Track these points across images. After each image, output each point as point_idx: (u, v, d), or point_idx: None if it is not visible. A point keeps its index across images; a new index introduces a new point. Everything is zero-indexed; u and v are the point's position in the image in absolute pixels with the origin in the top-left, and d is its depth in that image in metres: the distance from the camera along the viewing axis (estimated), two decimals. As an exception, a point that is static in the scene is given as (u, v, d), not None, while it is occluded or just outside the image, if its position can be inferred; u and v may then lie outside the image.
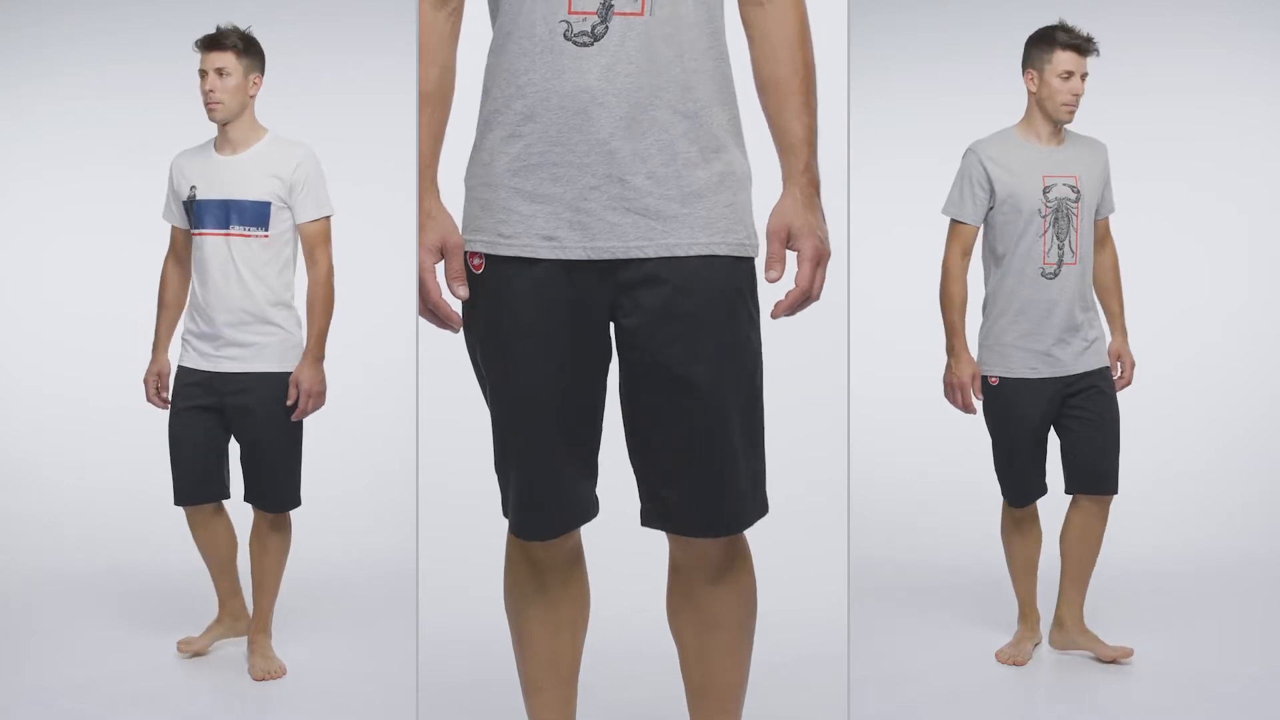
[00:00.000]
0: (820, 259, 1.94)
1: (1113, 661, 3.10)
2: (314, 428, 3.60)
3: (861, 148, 3.42)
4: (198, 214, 3.08)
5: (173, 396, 3.15)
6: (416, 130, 1.99)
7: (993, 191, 3.08)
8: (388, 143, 3.74)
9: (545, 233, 1.90)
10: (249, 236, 3.01)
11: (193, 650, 3.19)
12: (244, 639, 3.24)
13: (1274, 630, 3.43)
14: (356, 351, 4.00)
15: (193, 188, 3.10)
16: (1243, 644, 3.27)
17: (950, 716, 2.86)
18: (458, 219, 2.00)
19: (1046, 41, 3.10)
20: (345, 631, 3.39)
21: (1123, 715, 2.90)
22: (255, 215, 3.02)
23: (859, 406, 3.35)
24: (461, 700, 2.88)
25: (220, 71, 3.04)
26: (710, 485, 1.96)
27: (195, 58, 3.10)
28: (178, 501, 3.14)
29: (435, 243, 1.93)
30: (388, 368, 3.83)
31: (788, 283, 1.94)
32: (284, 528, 3.15)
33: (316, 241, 3.04)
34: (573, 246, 1.91)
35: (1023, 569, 3.25)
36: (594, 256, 1.91)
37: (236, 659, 3.20)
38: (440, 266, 1.96)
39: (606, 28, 1.87)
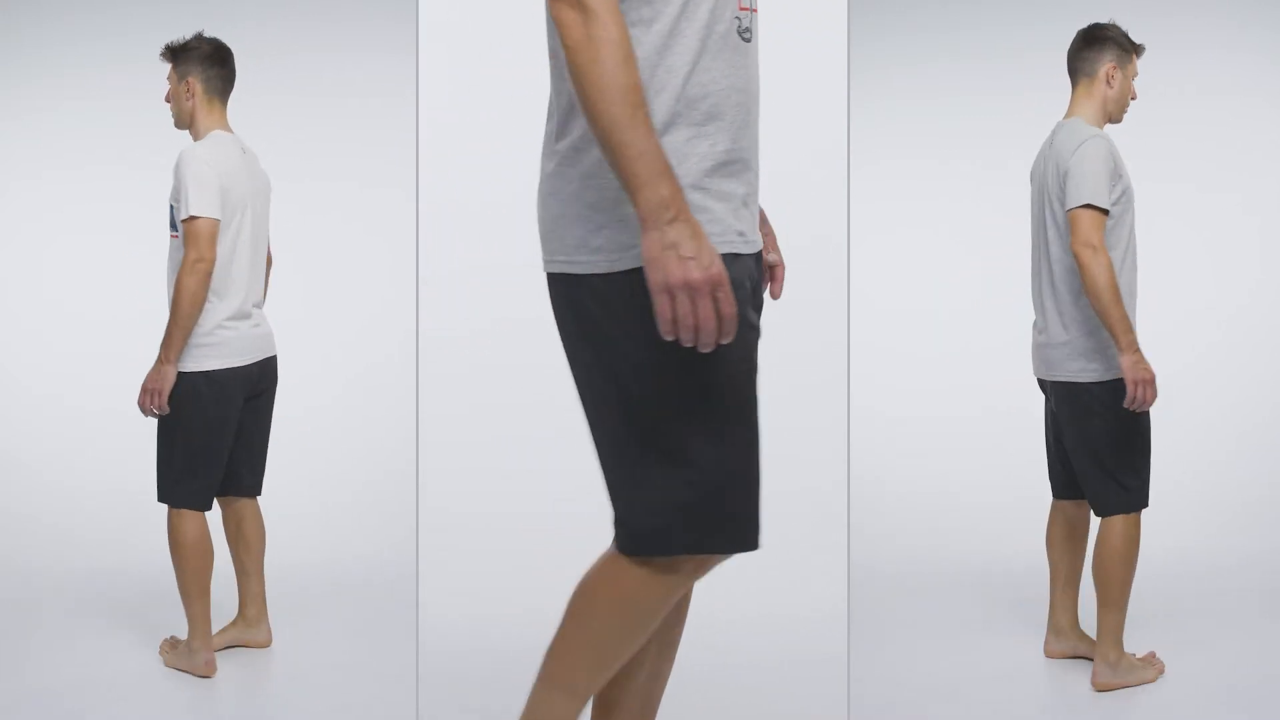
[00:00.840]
0: None
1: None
2: (315, 428, 3.60)
3: (861, 148, 3.42)
4: None
5: None
6: (640, 141, 1.67)
7: (1120, 180, 2.96)
8: (386, 143, 3.74)
9: (737, 229, 1.86)
10: (172, 237, 3.07)
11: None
12: (250, 644, 3.25)
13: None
14: (356, 352, 4.02)
15: None
16: (1248, 645, 3.26)
17: (950, 716, 2.86)
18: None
19: (1124, 44, 3.03)
20: (345, 631, 3.39)
21: (1124, 715, 2.90)
22: (170, 217, 3.08)
23: (858, 406, 3.36)
24: (462, 700, 2.87)
25: (168, 83, 3.15)
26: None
27: (194, 58, 3.14)
28: None
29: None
30: (388, 367, 3.83)
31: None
32: (171, 531, 3.08)
33: (185, 243, 3.01)
34: (753, 239, 1.89)
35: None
36: (759, 249, 1.91)
37: (235, 659, 3.20)
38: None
39: (754, 23, 1.88)
